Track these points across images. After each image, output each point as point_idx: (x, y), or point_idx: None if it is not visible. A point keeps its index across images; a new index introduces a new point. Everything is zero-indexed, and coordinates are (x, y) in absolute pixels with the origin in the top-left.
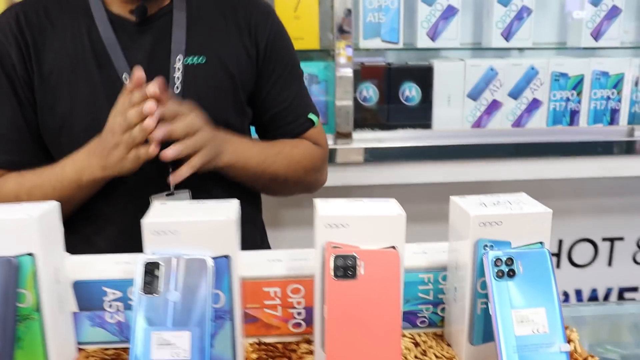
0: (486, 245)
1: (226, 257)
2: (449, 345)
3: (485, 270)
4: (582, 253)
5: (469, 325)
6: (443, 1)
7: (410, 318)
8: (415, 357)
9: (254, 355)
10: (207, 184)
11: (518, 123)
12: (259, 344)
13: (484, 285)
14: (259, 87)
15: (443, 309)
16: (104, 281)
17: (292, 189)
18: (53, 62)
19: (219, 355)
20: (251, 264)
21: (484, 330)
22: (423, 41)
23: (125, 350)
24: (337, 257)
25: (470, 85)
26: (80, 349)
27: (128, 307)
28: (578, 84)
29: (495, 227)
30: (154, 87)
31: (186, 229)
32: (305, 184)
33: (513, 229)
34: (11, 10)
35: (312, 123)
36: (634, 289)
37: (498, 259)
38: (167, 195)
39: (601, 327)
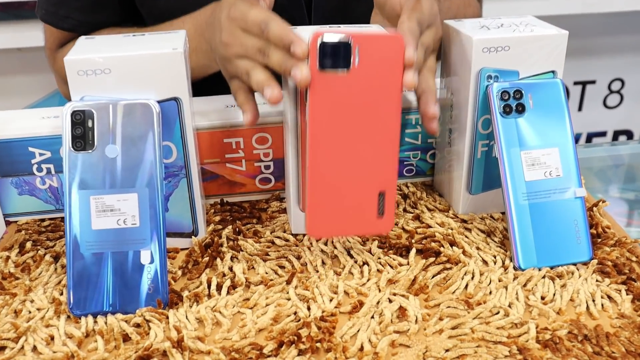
0: (490, 76)
1: (175, 99)
2: (440, 195)
3: (490, 105)
4: None
5: (467, 171)
6: None
7: None
8: (405, 210)
9: (217, 217)
10: None
11: None
12: (222, 204)
13: (486, 124)
14: None
15: (433, 155)
16: (29, 140)
17: None
18: None
19: (176, 219)
20: (206, 111)
21: (484, 176)
22: None
23: (64, 220)
24: (325, 43)
25: None
26: (9, 222)
27: (61, 169)
28: None
29: (502, 53)
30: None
31: (122, 65)
32: None
33: (522, 56)
34: None
35: None
36: (603, 134)
37: (505, 92)
38: None
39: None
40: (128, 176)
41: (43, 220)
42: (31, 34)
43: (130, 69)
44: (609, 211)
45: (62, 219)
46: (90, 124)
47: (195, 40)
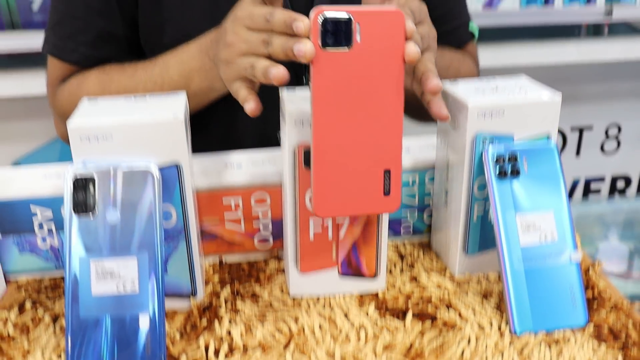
0: (485, 140)
1: (176, 166)
2: (437, 255)
3: (485, 169)
4: None
5: (464, 232)
6: None
7: (392, 226)
8: (402, 270)
9: (216, 278)
10: None
11: (490, 3)
12: (221, 263)
13: (481, 187)
14: None
15: (430, 215)
16: (30, 199)
17: None
18: None
19: (175, 280)
20: (206, 171)
21: (480, 237)
22: None
23: (64, 279)
24: (326, 20)
25: None
26: (9, 281)
27: (62, 228)
28: None
29: (496, 118)
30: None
31: (124, 132)
32: None
33: (516, 120)
34: None
35: (472, 35)
36: (601, 179)
37: (500, 157)
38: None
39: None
40: (128, 241)
41: (43, 278)
42: (34, 83)
43: (132, 136)
44: (608, 259)
45: (62, 278)
46: (91, 189)
47: (199, 60)
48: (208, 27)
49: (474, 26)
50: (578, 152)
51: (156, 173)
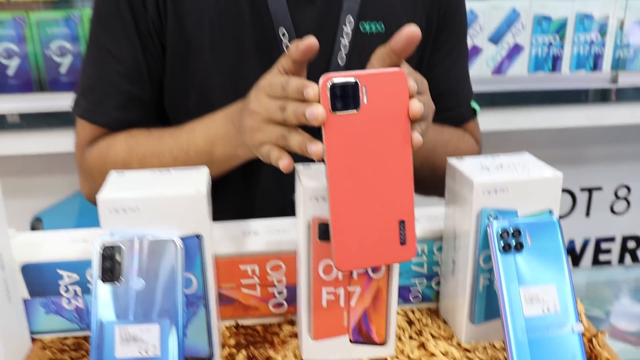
0: (490, 215)
1: (197, 236)
2: (445, 322)
3: (490, 243)
4: (560, 203)
5: (470, 302)
6: None
7: (402, 293)
8: (410, 337)
9: (232, 341)
10: None
11: (499, 70)
12: (237, 327)
13: (487, 259)
14: (425, 59)
15: (438, 283)
16: (58, 263)
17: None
18: (193, 4)
19: (193, 344)
20: (224, 238)
21: (486, 307)
22: None
23: (87, 338)
24: (334, 85)
25: None
26: (34, 339)
27: (87, 290)
28: (561, 28)
29: (501, 194)
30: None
31: (150, 205)
32: None
33: (520, 196)
34: None
35: (474, 113)
36: (611, 239)
37: (504, 231)
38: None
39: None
40: (151, 307)
41: (66, 338)
42: (58, 141)
43: (157, 208)
44: (618, 323)
45: (86, 338)
46: (118, 258)
47: (224, 128)
48: (231, 95)
49: (475, 104)
50: (588, 212)
51: (179, 243)
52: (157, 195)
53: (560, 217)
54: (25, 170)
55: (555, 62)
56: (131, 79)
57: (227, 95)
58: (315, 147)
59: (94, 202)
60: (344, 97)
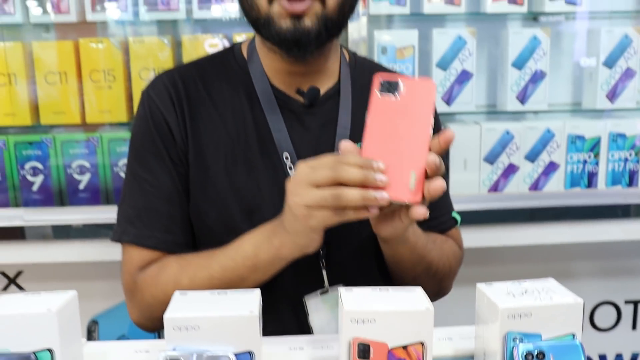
0: (515, 338)
1: (249, 352)
2: None
3: None
4: (605, 316)
5: None
6: (457, 66)
7: None
8: None
9: None
10: (359, 280)
11: (535, 186)
12: None
13: None
14: None
15: None
16: None
17: (431, 287)
18: (210, 137)
19: None
20: (273, 354)
21: None
22: (438, 106)
23: None
24: (383, 81)
25: (486, 149)
26: None
27: None
28: (595, 146)
29: (525, 318)
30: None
31: (209, 324)
32: (441, 286)
33: (543, 321)
34: (169, 75)
35: (455, 222)
36: None
37: (529, 353)
38: (321, 293)
39: None
40: None
41: None
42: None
43: (214, 327)
44: None
45: None
46: None
47: (268, 233)
48: (245, 212)
49: (456, 214)
50: (634, 325)
51: (233, 358)
52: (216, 316)
53: (606, 330)
54: (88, 275)
55: (591, 179)
56: (171, 203)
57: (241, 213)
58: (379, 194)
59: (143, 327)
60: (389, 88)
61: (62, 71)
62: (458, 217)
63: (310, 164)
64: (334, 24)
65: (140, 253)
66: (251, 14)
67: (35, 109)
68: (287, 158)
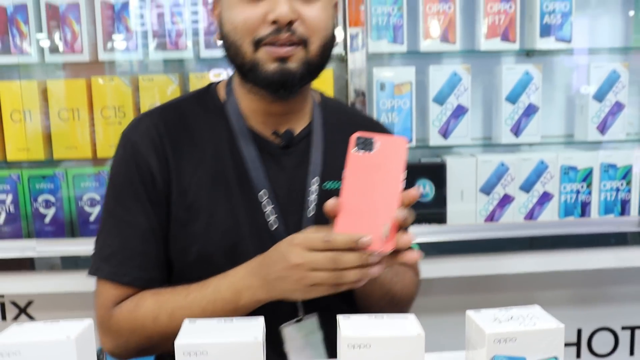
0: None
1: None
2: None
3: None
4: (602, 342)
5: None
6: (453, 101)
7: None
8: None
9: None
10: (333, 308)
11: (530, 216)
12: None
13: None
14: None
15: None
16: None
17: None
18: (191, 177)
19: None
20: None
21: None
22: (435, 139)
23: None
24: (359, 137)
25: (482, 180)
26: None
27: None
28: (587, 177)
29: (510, 343)
30: (367, 239)
31: (216, 349)
32: (402, 312)
33: (527, 345)
34: (150, 116)
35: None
36: None
37: None
38: (296, 321)
39: None
40: None
41: None
42: None
43: (222, 352)
44: None
45: None
46: None
47: (248, 280)
48: (225, 250)
49: (416, 244)
50: (632, 351)
51: None
52: (223, 342)
53: (603, 355)
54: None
55: (584, 208)
56: (147, 242)
57: (221, 249)
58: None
59: (117, 356)
60: (365, 145)
61: (75, 107)
62: (416, 247)
63: (309, 265)
64: (316, 67)
65: (115, 289)
66: (236, 60)
67: (48, 144)
68: (263, 195)
